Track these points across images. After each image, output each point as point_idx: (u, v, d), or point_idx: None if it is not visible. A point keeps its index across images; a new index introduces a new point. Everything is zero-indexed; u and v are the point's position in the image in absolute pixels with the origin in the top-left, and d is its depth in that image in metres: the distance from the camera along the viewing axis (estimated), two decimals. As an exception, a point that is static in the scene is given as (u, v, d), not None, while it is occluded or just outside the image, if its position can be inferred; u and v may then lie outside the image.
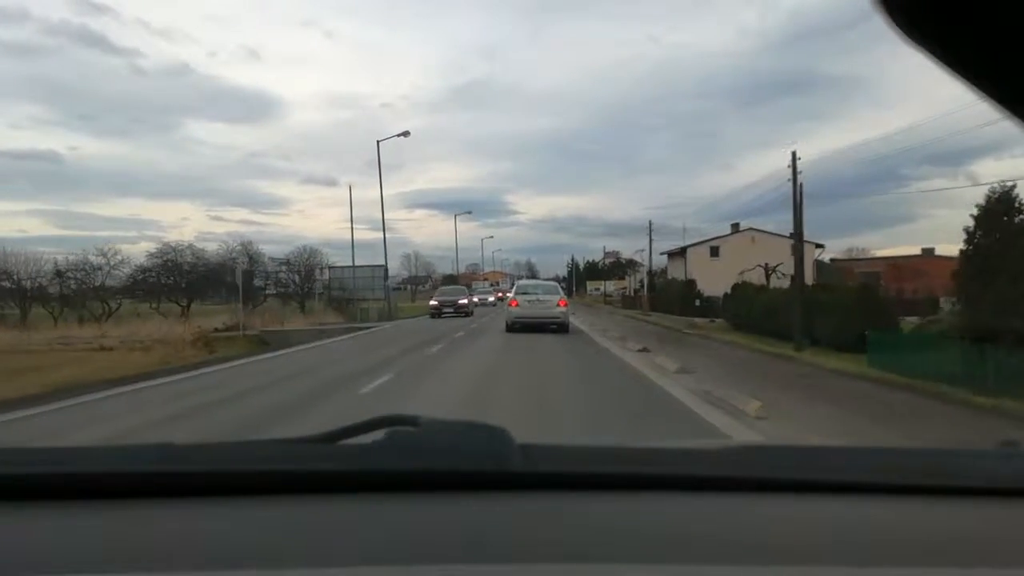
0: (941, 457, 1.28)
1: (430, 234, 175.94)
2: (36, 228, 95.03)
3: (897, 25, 0.52)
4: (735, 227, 52.57)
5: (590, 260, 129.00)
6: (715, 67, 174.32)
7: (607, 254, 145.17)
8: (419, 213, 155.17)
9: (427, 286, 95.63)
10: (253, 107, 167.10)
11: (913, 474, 1.10)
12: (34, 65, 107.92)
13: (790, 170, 19.80)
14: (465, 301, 37.64)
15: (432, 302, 37.90)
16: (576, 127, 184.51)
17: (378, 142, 36.92)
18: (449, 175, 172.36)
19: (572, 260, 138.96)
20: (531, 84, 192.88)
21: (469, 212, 58.95)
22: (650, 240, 55.48)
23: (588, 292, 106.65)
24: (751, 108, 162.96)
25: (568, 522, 0.95)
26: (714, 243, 52.27)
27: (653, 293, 49.09)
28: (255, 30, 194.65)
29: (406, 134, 36.49)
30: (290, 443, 1.15)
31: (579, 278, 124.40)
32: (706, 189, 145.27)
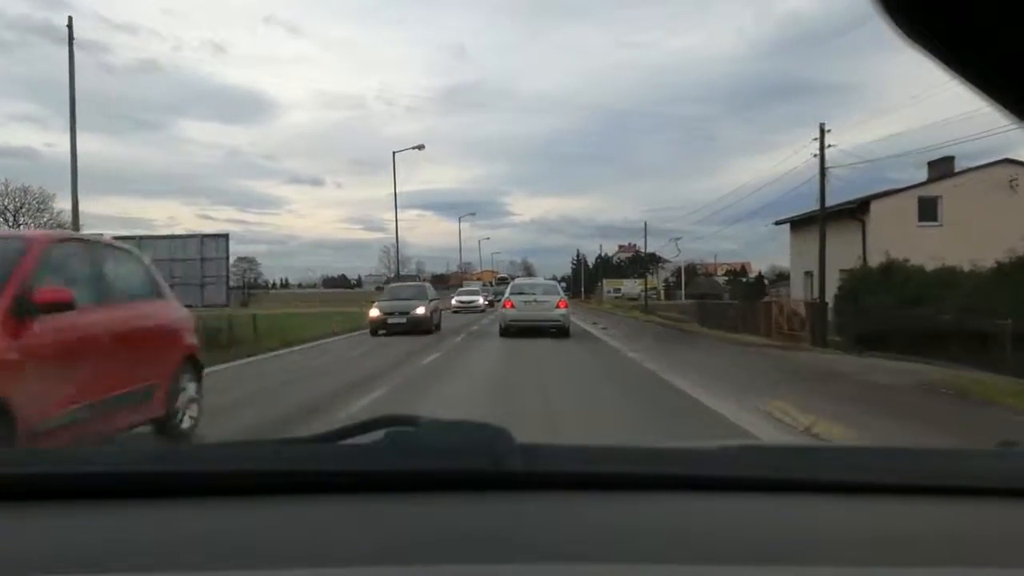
0: (941, 457, 1.27)
1: (424, 235, 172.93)
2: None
3: (898, 26, 0.52)
4: (943, 166, 26.25)
5: (603, 254, 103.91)
6: (711, 72, 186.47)
7: (622, 248, 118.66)
8: (413, 214, 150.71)
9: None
10: (242, 107, 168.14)
11: (913, 474, 1.09)
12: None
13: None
14: None
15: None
16: (571, 129, 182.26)
17: None
18: (444, 176, 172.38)
19: (578, 255, 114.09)
20: (526, 86, 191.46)
21: (421, 146, 30.12)
22: (822, 194, 23.58)
23: (606, 294, 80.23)
24: (746, 112, 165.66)
25: (568, 522, 0.94)
26: (925, 191, 25.96)
27: (821, 300, 21.65)
28: (241, 30, 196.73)
29: None
30: (290, 443, 1.16)
31: (588, 277, 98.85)
32: (700, 193, 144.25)
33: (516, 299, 20.00)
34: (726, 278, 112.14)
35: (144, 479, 1.04)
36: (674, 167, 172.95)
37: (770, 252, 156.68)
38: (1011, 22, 0.50)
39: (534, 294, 20.35)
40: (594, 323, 27.55)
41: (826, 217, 24.13)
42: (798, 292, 29.18)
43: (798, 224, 29.84)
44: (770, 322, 23.20)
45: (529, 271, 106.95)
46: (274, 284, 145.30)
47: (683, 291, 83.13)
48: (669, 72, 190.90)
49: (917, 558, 0.84)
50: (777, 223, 31.16)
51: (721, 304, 33.35)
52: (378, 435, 1.07)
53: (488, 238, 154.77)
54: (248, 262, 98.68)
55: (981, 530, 0.94)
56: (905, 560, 0.83)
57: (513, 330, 19.24)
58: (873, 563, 0.81)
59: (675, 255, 72.71)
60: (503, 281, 79.38)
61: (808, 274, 28.89)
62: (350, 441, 1.10)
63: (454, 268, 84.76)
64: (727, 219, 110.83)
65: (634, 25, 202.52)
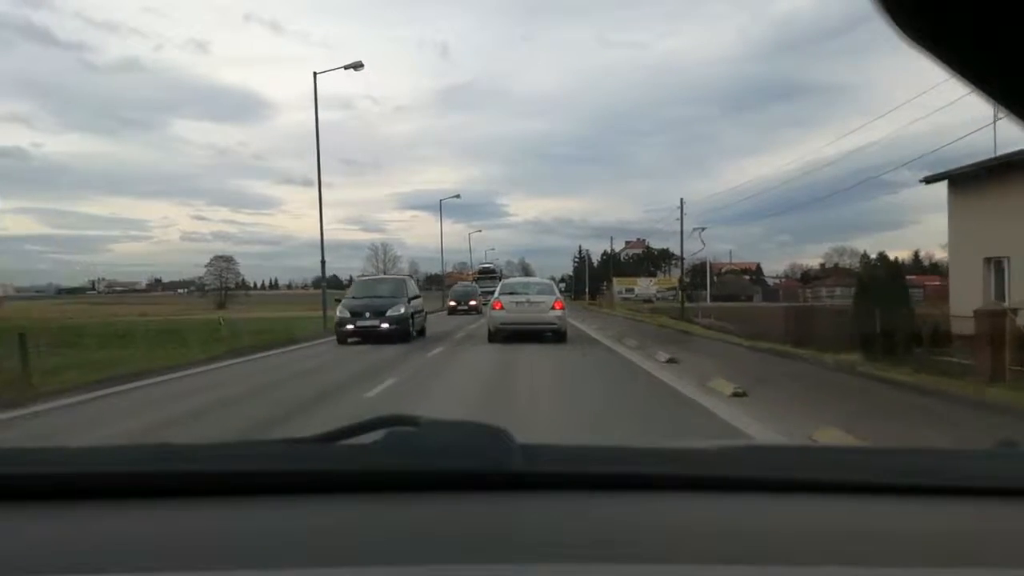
0: (941, 457, 1.26)
1: (420, 235, 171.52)
2: (22, 226, 74.06)
3: (898, 25, 0.51)
4: None
5: (611, 250, 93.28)
6: (706, 74, 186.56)
7: (630, 244, 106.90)
8: (410, 214, 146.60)
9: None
10: (230, 107, 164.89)
11: (913, 474, 1.08)
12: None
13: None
14: None
15: None
16: (567, 130, 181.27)
17: None
18: (441, 177, 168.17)
19: (580, 251, 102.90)
20: (521, 88, 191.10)
21: (360, 64, 18.75)
22: None
23: (618, 294, 68.57)
24: (740, 114, 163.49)
25: (568, 522, 0.94)
26: None
27: None
28: (222, 28, 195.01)
29: None
30: (290, 443, 1.15)
31: (592, 276, 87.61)
32: (697, 194, 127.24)
33: (506, 300, 18.56)
34: (748, 277, 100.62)
35: (144, 479, 1.05)
36: (670, 168, 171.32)
37: (768, 254, 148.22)
38: (1011, 22, 0.49)
39: (527, 294, 18.84)
40: (671, 360, 13.30)
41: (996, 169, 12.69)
42: (972, 290, 17.56)
43: (966, 181, 18.43)
44: (1002, 352, 11.58)
45: (527, 271, 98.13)
46: (262, 285, 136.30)
47: (708, 291, 70.89)
48: (665, 73, 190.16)
49: (917, 558, 0.84)
50: (928, 180, 19.85)
51: (837, 311, 21.68)
52: (378, 435, 1.07)
53: (480, 230, 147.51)
54: (226, 261, 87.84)
55: (981, 530, 0.94)
56: (905, 560, 0.83)
57: (503, 334, 17.81)
58: (873, 563, 0.81)
59: (699, 250, 60.89)
60: (487, 273, 66.46)
61: (991, 261, 17.29)
62: (350, 441, 1.10)
63: (450, 268, 74.29)
64: (729, 217, 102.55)
65: (629, 25, 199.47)
